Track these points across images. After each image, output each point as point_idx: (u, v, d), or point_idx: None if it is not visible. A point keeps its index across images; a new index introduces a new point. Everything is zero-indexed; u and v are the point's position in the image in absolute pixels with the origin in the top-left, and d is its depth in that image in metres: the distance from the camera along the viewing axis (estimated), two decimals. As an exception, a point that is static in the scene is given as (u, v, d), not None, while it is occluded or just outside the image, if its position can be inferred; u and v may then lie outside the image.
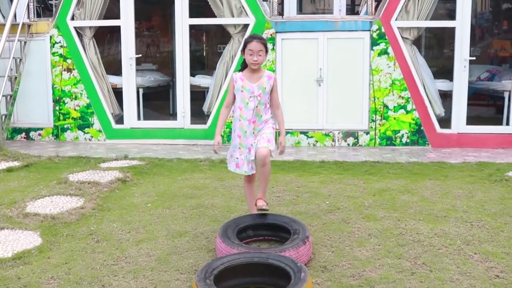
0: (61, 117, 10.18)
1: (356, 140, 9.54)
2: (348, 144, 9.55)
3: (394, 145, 9.49)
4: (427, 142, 9.45)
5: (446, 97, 10.13)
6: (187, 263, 4.59)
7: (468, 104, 9.55)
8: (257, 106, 4.92)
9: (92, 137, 10.13)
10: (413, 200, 6.20)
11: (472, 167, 7.81)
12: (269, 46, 9.08)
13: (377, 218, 5.59)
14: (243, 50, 4.96)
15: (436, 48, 13.55)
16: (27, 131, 10.32)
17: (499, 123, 9.86)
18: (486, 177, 7.22)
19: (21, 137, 10.34)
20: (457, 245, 4.92)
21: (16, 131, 10.35)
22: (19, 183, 7.12)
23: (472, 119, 9.66)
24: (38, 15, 10.64)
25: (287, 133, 9.26)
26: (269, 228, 4.90)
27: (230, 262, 3.99)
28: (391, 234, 5.15)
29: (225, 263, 3.97)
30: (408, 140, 9.48)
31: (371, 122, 9.52)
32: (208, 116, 9.92)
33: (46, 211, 5.85)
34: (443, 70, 11.16)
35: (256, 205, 4.96)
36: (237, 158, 4.99)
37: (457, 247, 4.87)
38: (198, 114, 10.13)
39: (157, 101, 12.05)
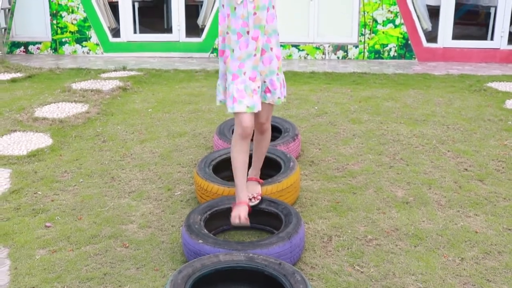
0: (59, 31, 10.40)
1: (345, 53, 9.88)
2: (338, 57, 9.90)
3: (382, 58, 9.84)
4: (413, 56, 9.80)
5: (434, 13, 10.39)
6: (187, 159, 5.07)
7: (460, 23, 9.79)
8: (254, 13, 3.44)
9: (90, 50, 10.40)
10: (396, 106, 6.64)
11: (454, 79, 8.22)
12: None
13: (361, 121, 6.05)
14: None
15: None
16: (26, 45, 10.55)
17: (485, 39, 10.18)
18: (466, 88, 7.64)
19: (20, 50, 10.58)
20: (432, 144, 5.40)
21: (15, 45, 10.58)
22: (25, 92, 7.49)
23: (459, 36, 9.97)
24: None
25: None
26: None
27: (226, 154, 4.44)
28: (374, 135, 5.62)
29: (222, 155, 4.42)
30: (395, 54, 9.83)
31: (360, 36, 9.82)
32: (202, 29, 10.17)
33: (54, 116, 6.26)
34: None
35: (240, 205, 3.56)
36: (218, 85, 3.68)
37: (432, 146, 5.35)
38: (192, 28, 10.37)
39: (152, 17, 12.21)
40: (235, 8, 3.44)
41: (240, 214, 3.43)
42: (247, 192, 3.62)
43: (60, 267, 3.41)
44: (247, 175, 3.76)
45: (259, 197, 3.73)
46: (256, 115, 3.59)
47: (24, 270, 3.39)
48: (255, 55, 3.46)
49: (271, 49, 3.56)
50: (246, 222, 3.41)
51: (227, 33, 3.49)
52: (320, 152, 5.19)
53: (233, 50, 3.47)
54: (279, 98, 3.64)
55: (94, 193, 4.42)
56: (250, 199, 3.65)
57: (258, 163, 3.90)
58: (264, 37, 3.49)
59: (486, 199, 4.27)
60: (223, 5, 3.52)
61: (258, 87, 3.51)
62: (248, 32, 3.44)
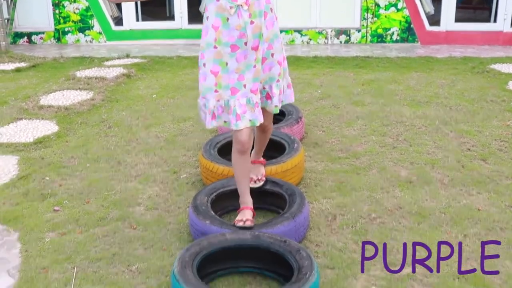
0: (62, 21, 10.43)
1: (348, 37, 9.89)
2: (340, 42, 9.92)
3: (385, 42, 9.85)
4: (416, 39, 9.81)
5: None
6: (192, 142, 5.12)
7: (463, 7, 9.79)
8: (252, 21, 3.15)
9: (92, 39, 10.43)
10: (399, 88, 6.67)
11: (457, 61, 8.23)
12: None
13: (364, 103, 6.08)
14: None
15: None
16: (29, 35, 10.59)
17: (488, 21, 10.17)
18: (469, 70, 7.65)
19: (24, 41, 10.62)
20: (435, 125, 5.43)
21: (18, 35, 10.62)
22: (29, 81, 7.54)
23: (462, 19, 9.96)
24: None
25: (281, 31, 9.54)
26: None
27: (231, 137, 4.47)
28: (377, 117, 5.66)
29: (227, 138, 4.47)
30: (398, 38, 9.84)
31: (362, 20, 9.83)
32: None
33: (59, 103, 6.32)
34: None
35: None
36: (213, 107, 3.25)
37: (435, 127, 5.39)
38: (195, 15, 10.39)
39: (154, 6, 12.23)
40: (227, 19, 3.12)
41: (243, 219, 3.35)
42: (250, 197, 3.51)
43: (69, 248, 3.47)
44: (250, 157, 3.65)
45: (264, 178, 3.73)
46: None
47: (35, 252, 3.45)
48: (255, 66, 3.20)
49: (272, 55, 3.30)
50: (250, 224, 3.31)
51: (215, 47, 3.16)
52: (323, 134, 5.23)
53: (226, 64, 3.17)
54: (276, 106, 3.43)
55: (101, 177, 4.47)
56: (254, 181, 3.66)
57: (260, 150, 3.78)
58: (264, 44, 3.23)
59: (488, 178, 4.31)
60: (207, 17, 3.19)
61: (260, 99, 3.33)
62: (246, 43, 3.15)
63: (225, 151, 4.36)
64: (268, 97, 3.40)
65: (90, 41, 10.43)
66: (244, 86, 3.20)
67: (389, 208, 3.87)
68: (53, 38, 10.53)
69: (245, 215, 3.39)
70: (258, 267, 3.14)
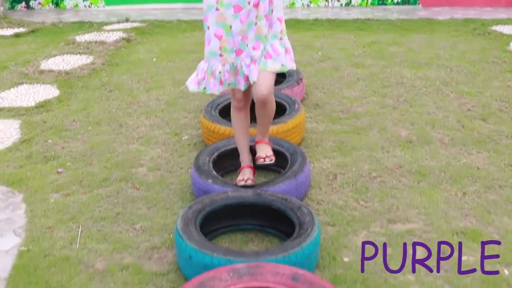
0: (60, -15, 10.34)
1: (348, 0, 9.80)
2: (341, 4, 9.83)
3: (386, 4, 9.77)
4: (417, 2, 9.72)
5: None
6: (193, 105, 5.13)
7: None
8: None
9: (91, 4, 10.35)
10: (399, 50, 6.65)
11: (459, 23, 8.18)
12: None
13: (365, 65, 6.08)
14: None
15: None
16: (27, 0, 10.50)
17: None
18: (471, 31, 7.61)
19: (22, 6, 10.53)
20: (436, 86, 5.44)
21: (16, 0, 10.52)
22: (29, 46, 7.51)
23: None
24: None
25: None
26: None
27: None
28: (377, 78, 5.66)
29: (228, 99, 4.47)
30: (399, 0, 9.75)
31: (363, -18, 9.75)
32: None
33: (60, 68, 6.31)
34: None
35: (257, 159, 3.50)
36: (219, 73, 3.20)
37: (436, 88, 5.39)
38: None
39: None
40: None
41: (244, 178, 3.37)
42: (250, 155, 3.50)
43: (74, 209, 3.52)
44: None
45: (273, 158, 3.47)
46: (255, 87, 3.17)
47: (40, 212, 3.50)
48: (256, 23, 3.10)
49: (272, 11, 3.16)
50: (251, 183, 3.34)
51: (217, 9, 3.08)
52: (324, 95, 5.24)
53: (230, 27, 3.10)
54: (283, 65, 3.21)
55: (103, 140, 4.50)
56: (263, 158, 3.44)
57: (263, 128, 3.49)
58: (265, 1, 3.09)
59: (488, 137, 4.33)
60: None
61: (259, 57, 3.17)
62: (249, 3, 3.07)
63: (226, 112, 4.38)
64: (268, 56, 3.17)
65: (89, 6, 10.35)
66: (247, 45, 3.13)
67: (389, 167, 3.90)
68: (51, 3, 10.44)
69: (246, 174, 3.42)
70: (260, 224, 3.19)
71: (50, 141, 4.52)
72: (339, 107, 4.97)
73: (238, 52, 3.14)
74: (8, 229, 3.33)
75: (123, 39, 7.42)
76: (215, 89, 3.23)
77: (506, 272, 2.82)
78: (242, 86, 3.21)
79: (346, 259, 2.95)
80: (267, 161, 3.44)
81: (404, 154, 4.09)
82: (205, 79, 3.24)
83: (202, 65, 3.27)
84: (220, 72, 3.18)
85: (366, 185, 3.67)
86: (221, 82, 3.21)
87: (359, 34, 7.50)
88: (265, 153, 3.46)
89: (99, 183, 3.83)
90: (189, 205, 3.04)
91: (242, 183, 3.34)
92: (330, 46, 6.85)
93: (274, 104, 3.36)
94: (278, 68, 3.19)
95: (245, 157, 3.51)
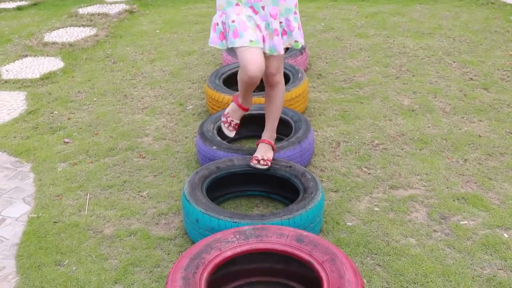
0: (61, -43, 10.28)
1: (351, -29, 9.75)
2: (344, -25, 9.78)
3: (389, -25, 9.71)
4: (421, -28, 9.66)
5: None
6: (197, 75, 5.17)
7: None
8: None
9: (93, -24, 10.30)
10: (402, 20, 6.65)
11: (462, -8, 8.14)
12: None
13: (368, 35, 6.08)
14: None
15: None
16: (28, -28, 10.46)
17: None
18: (474, 1, 7.57)
19: (23, -21, 10.50)
20: (438, 55, 5.45)
21: (17, -27, 10.49)
22: (32, 19, 7.52)
23: None
24: None
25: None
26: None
27: (236, 68, 4.52)
28: (380, 48, 5.68)
29: (232, 69, 4.51)
30: (402, -30, 9.68)
31: (366, -47, 9.66)
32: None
33: (63, 40, 6.33)
34: None
35: (255, 160, 3.19)
36: (233, 22, 2.94)
37: (438, 57, 5.41)
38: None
39: None
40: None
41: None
42: (251, 100, 3.28)
43: (81, 177, 3.59)
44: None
45: (269, 163, 3.16)
46: (266, 65, 3.02)
47: (48, 181, 3.56)
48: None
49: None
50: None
51: (237, 4, 2.95)
52: (327, 65, 5.26)
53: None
54: (296, 41, 3.08)
55: (108, 110, 4.55)
56: (258, 160, 3.16)
57: (272, 124, 3.29)
58: None
59: (490, 106, 4.37)
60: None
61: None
62: (264, 8, 2.95)
63: (230, 81, 4.42)
64: (284, 32, 3.03)
65: (91, -21, 10.30)
66: (263, 8, 2.95)
67: (391, 135, 3.95)
68: (53, -24, 10.38)
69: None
70: (265, 190, 3.25)
71: (56, 112, 4.57)
72: (342, 76, 5.00)
73: (253, 10, 2.96)
74: (17, 197, 3.40)
75: (126, 11, 7.42)
76: (230, 41, 2.95)
77: (506, 235, 2.89)
78: (266, 48, 2.98)
79: (349, 224, 3.02)
80: (261, 165, 3.14)
81: (407, 122, 4.13)
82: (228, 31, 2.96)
83: (217, 20, 3.02)
84: (234, 21, 2.92)
85: (368, 153, 3.73)
86: (234, 34, 2.91)
87: (362, 5, 7.48)
88: (263, 155, 3.19)
89: (106, 152, 3.89)
90: (195, 171, 3.10)
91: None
92: (333, 17, 6.85)
93: (284, 88, 3.24)
94: (292, 44, 3.10)
95: (244, 100, 3.25)
